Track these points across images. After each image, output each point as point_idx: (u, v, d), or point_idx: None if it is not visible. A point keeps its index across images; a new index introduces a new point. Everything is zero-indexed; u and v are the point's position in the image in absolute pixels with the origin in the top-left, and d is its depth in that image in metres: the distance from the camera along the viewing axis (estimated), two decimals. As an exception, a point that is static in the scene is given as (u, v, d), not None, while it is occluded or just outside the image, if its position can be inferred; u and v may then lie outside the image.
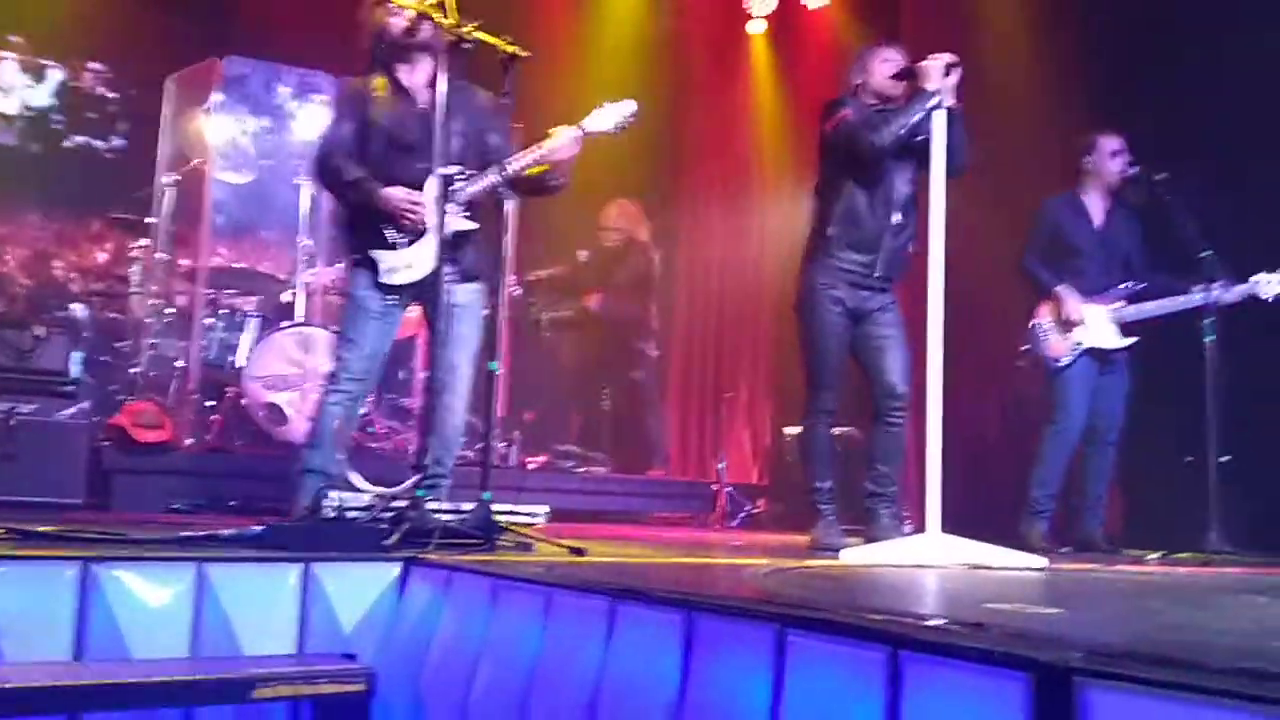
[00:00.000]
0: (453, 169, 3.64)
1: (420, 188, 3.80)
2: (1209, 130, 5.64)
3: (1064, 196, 5.24)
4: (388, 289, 3.88)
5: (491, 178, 3.79)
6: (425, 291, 3.85)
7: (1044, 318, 5.07)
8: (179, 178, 6.06)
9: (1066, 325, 5.01)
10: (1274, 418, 5.25)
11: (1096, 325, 5.01)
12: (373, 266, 3.87)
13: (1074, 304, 4.99)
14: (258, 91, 6.36)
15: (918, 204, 4.43)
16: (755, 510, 6.46)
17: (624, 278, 7.45)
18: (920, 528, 3.79)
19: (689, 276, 8.40)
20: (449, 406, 3.84)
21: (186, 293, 6.16)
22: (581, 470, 6.85)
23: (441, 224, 3.50)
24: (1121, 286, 5.06)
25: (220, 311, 6.02)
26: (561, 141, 3.80)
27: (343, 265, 4.09)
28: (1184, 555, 4.73)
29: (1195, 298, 4.86)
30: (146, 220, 6.14)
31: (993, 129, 6.73)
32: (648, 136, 8.22)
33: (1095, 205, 5.17)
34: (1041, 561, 3.72)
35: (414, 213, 3.76)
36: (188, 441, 5.46)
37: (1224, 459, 5.11)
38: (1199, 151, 5.36)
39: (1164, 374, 5.14)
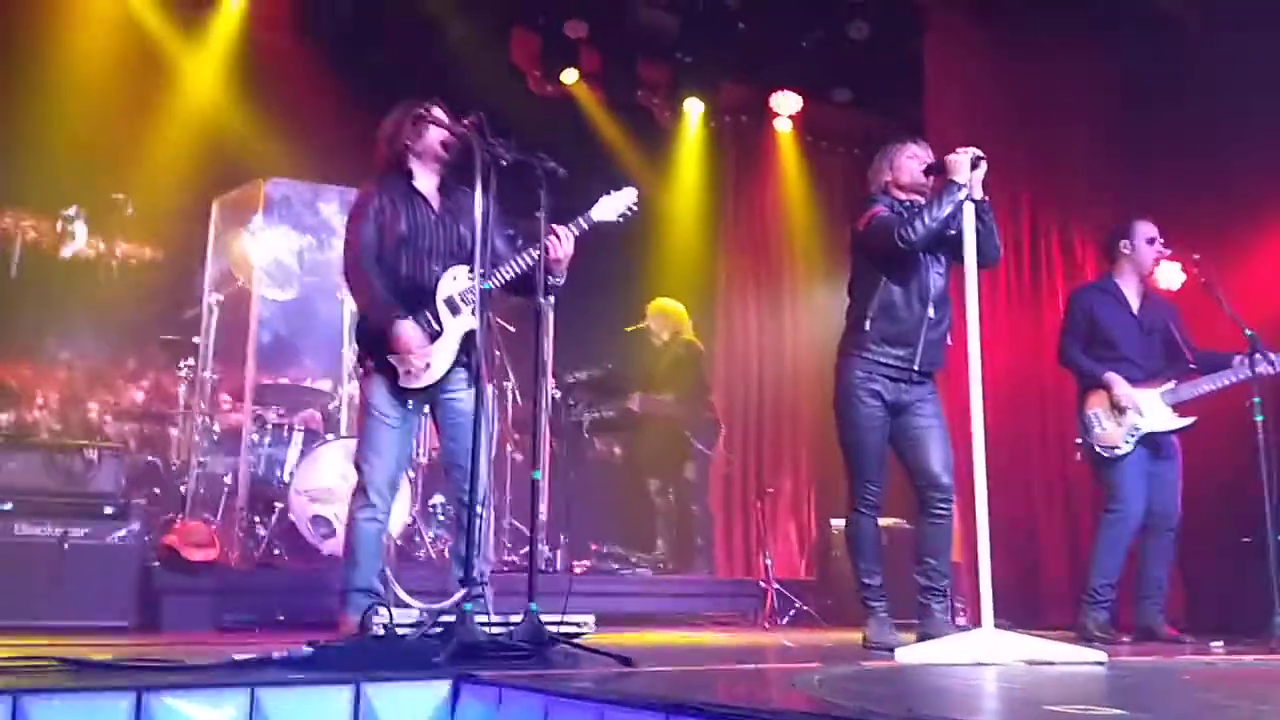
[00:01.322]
0: (464, 269, 3.74)
1: (433, 289, 3.89)
2: (1223, 214, 5.69)
3: (1097, 284, 5.25)
4: (405, 394, 3.90)
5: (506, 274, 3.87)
6: (438, 396, 3.91)
7: (1095, 407, 5.02)
8: (223, 297, 6.20)
9: (1120, 412, 4.96)
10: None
11: (1151, 409, 4.95)
12: (389, 372, 3.88)
13: (1125, 390, 4.95)
14: (300, 210, 6.52)
15: (951, 296, 4.45)
16: (804, 608, 6.36)
17: (667, 375, 7.48)
18: (975, 621, 3.73)
19: (727, 372, 8.42)
20: (477, 514, 3.83)
21: (233, 409, 6.25)
22: (628, 572, 6.80)
23: (481, 322, 3.55)
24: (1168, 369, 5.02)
25: (267, 427, 6.10)
26: (558, 239, 3.85)
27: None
28: (1249, 641, 4.62)
29: (1244, 371, 4.82)
30: (194, 340, 6.28)
31: (1021, 214, 6.82)
32: (682, 235, 8.39)
33: (1131, 290, 5.16)
34: (1101, 655, 3.64)
35: (413, 369, 3.83)
36: (235, 558, 5.49)
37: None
38: (1216, 234, 5.40)
39: (1219, 455, 5.08)
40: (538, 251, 3.77)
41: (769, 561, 6.34)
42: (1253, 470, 4.70)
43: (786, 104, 8.49)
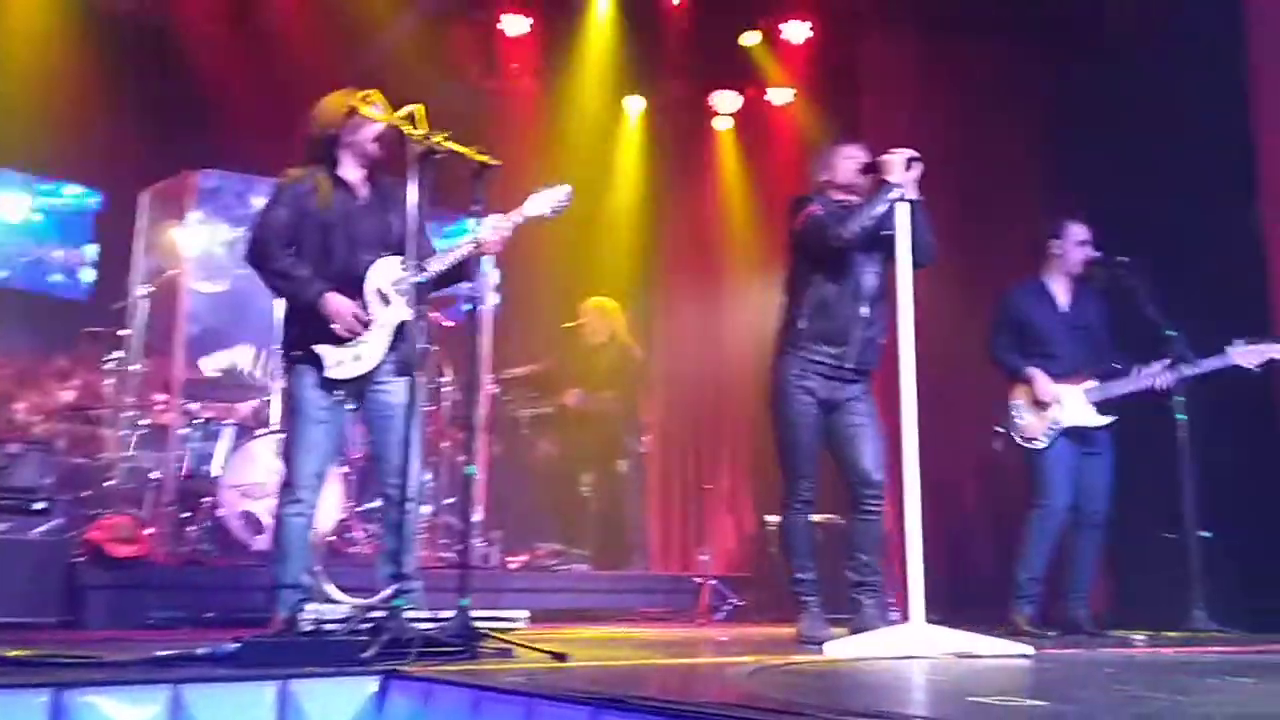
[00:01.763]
0: (396, 259, 3.71)
1: (361, 279, 3.84)
2: (1152, 215, 5.82)
3: (1028, 283, 5.32)
4: (333, 386, 3.83)
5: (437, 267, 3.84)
6: (365, 388, 3.86)
7: (1018, 398, 5.11)
8: (153, 289, 6.08)
9: (1041, 406, 5.05)
10: (1254, 492, 5.30)
11: (1072, 405, 5.04)
12: (316, 363, 3.81)
13: (1046, 385, 5.04)
14: (231, 202, 6.42)
15: (887, 295, 4.50)
16: (740, 603, 6.40)
17: (605, 373, 7.49)
18: (906, 616, 3.78)
19: (665, 370, 8.44)
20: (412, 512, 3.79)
21: (162, 404, 6.13)
22: (564, 568, 6.79)
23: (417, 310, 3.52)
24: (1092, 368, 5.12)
25: (195, 421, 6.00)
26: (490, 232, 3.82)
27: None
28: (1171, 635, 4.73)
29: (1165, 376, 4.92)
30: (120, 333, 6.15)
31: (954, 215, 6.92)
32: (620, 234, 8.39)
33: (1060, 289, 5.25)
34: (1027, 649, 3.70)
35: (354, 329, 3.78)
36: (163, 554, 5.39)
37: (1205, 535, 5.15)
38: (1144, 236, 5.52)
39: (1144, 453, 5.18)
40: (469, 245, 3.75)
41: (705, 557, 6.36)
42: (1176, 468, 4.81)
43: (726, 103, 8.53)
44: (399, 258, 3.78)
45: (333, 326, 3.78)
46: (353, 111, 3.88)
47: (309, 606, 3.24)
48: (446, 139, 3.46)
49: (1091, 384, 5.07)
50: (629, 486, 7.50)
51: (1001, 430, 5.11)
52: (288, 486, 3.83)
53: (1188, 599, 4.73)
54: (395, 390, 3.83)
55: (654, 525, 8.13)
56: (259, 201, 6.38)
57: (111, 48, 6.78)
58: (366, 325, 3.81)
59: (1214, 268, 5.41)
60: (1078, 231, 5.23)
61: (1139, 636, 4.71)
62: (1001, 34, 6.71)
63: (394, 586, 3.18)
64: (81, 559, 4.95)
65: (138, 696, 2.42)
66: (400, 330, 3.81)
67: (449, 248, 3.92)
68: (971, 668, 3.23)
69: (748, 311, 8.17)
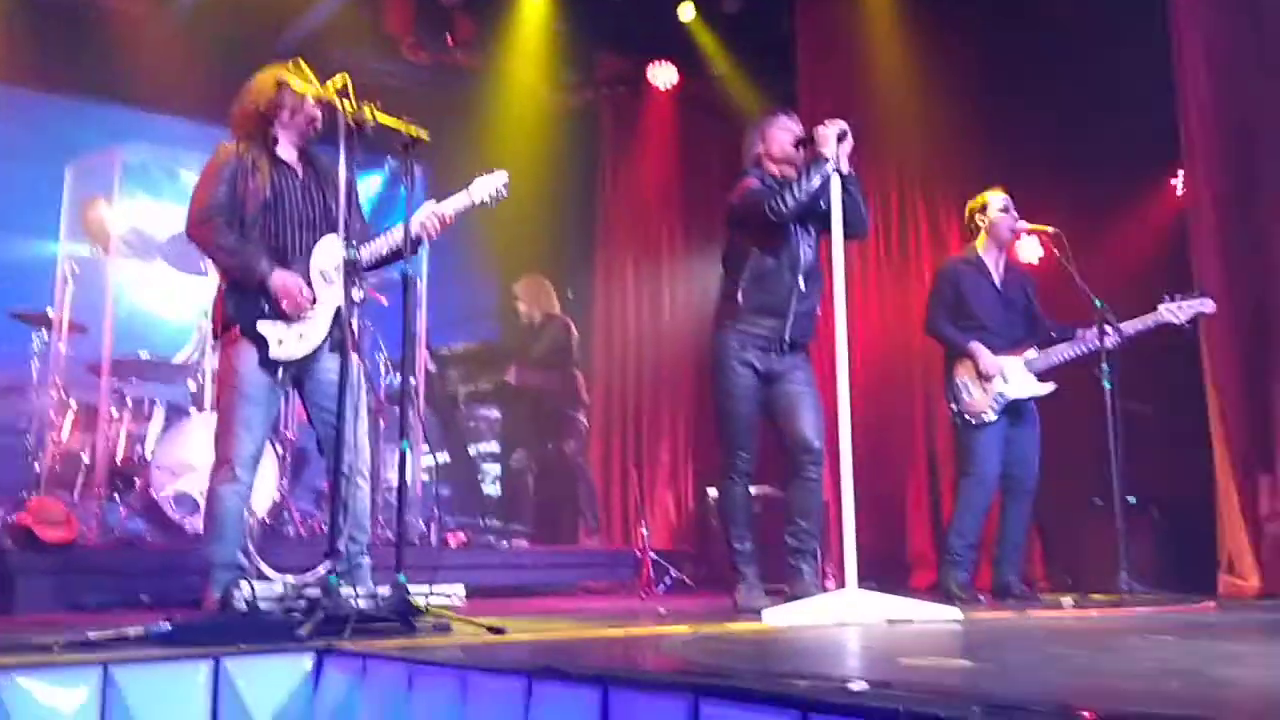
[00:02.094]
0: (336, 239, 3.68)
1: (306, 258, 3.80)
2: (1080, 187, 5.95)
3: (963, 257, 5.39)
4: (275, 366, 3.78)
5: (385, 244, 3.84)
6: (305, 367, 3.82)
7: (963, 375, 5.15)
8: (78, 268, 5.95)
9: (985, 380, 5.10)
10: (1180, 458, 5.45)
11: (1015, 376, 5.10)
12: (257, 341, 3.76)
13: (989, 359, 5.10)
14: (159, 178, 6.28)
15: (822, 269, 4.54)
16: (680, 575, 6.44)
17: (541, 350, 7.49)
18: (842, 583, 3.84)
19: (605, 345, 8.44)
20: (356, 484, 3.76)
21: (90, 384, 6.00)
22: (504, 544, 6.79)
23: (349, 293, 3.48)
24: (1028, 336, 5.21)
25: (126, 401, 5.89)
26: (429, 218, 3.82)
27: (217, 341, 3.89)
28: (1098, 598, 4.85)
29: (1093, 342, 5.02)
30: (47, 311, 6.01)
31: (889, 188, 6.99)
32: (558, 210, 8.36)
33: (992, 261, 5.32)
34: (958, 613, 3.78)
35: (302, 307, 3.74)
36: (94, 537, 5.30)
37: (1130, 500, 5.29)
38: (1072, 206, 5.63)
39: (1074, 419, 5.29)
40: (405, 231, 3.74)
41: (645, 531, 6.39)
42: (1104, 434, 4.92)
43: (663, 76, 8.51)
44: (337, 237, 3.72)
45: (281, 304, 3.74)
46: (282, 85, 3.82)
47: (243, 585, 3.20)
48: (377, 110, 3.42)
49: (1032, 354, 5.14)
50: (576, 463, 7.51)
51: (953, 409, 5.16)
52: (224, 465, 3.75)
53: (1115, 563, 4.85)
54: (335, 369, 3.78)
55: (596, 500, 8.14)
56: (188, 176, 6.28)
57: (36, 23, 6.60)
58: (312, 304, 3.77)
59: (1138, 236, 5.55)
60: (997, 199, 5.29)
61: (1067, 600, 4.83)
62: (932, 6, 6.77)
63: (330, 562, 3.15)
64: (9, 544, 4.85)
65: (68, 677, 2.38)
66: (338, 309, 3.77)
67: (385, 233, 3.89)
68: (904, 632, 3.29)
69: (688, 285, 8.21)
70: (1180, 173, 5.85)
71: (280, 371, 3.80)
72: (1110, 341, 4.97)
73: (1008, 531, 5.19)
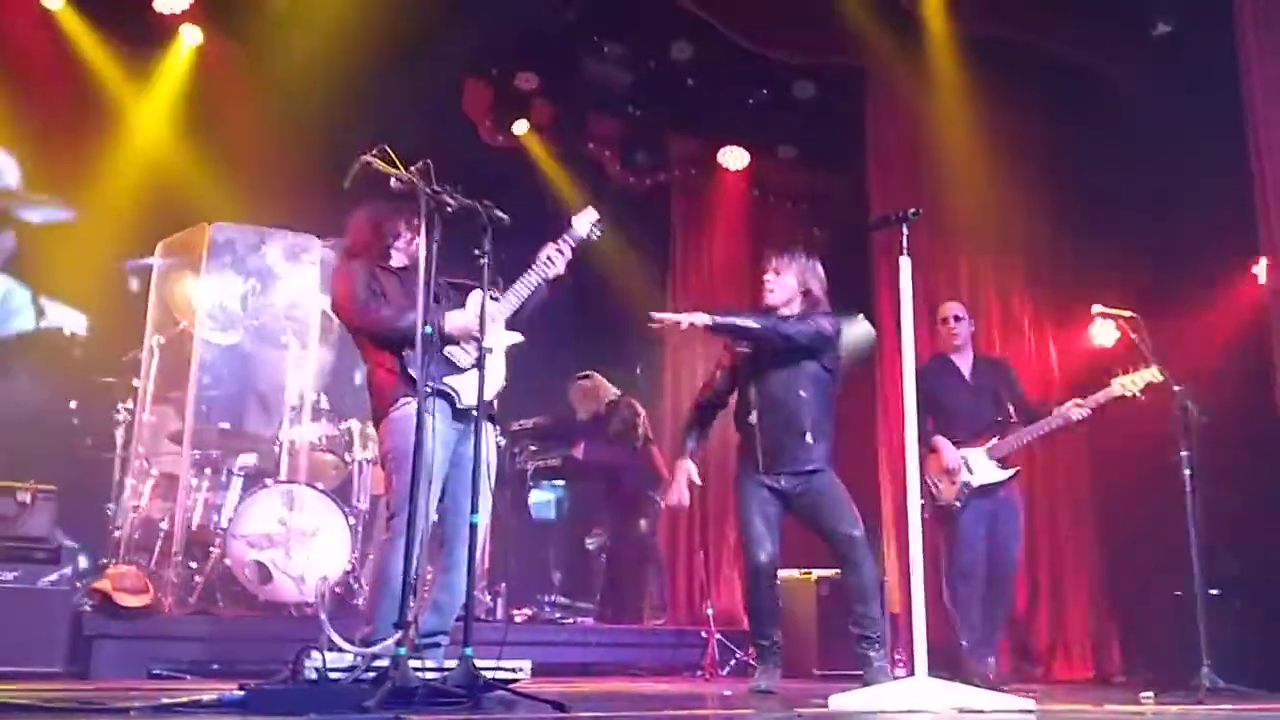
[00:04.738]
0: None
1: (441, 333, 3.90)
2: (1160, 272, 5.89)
3: (934, 359, 5.64)
4: (460, 416, 3.90)
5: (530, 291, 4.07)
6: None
7: (932, 472, 5.37)
8: (164, 340, 6.15)
9: (951, 473, 5.32)
10: (1259, 551, 5.31)
11: (977, 465, 5.34)
12: (444, 397, 3.86)
13: (949, 453, 5.33)
14: (244, 254, 6.47)
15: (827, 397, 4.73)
16: (745, 657, 6.36)
17: (614, 430, 7.50)
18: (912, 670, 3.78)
19: (674, 423, 8.44)
20: (458, 560, 3.79)
21: (172, 453, 6.16)
22: (570, 621, 6.77)
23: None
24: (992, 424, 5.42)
25: (205, 471, 6.02)
26: (556, 255, 4.08)
27: (382, 418, 3.96)
28: (1178, 694, 4.69)
29: (1055, 420, 5.23)
30: (133, 382, 6.20)
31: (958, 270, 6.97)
32: (630, 287, 8.44)
33: (959, 357, 5.58)
34: (1030, 704, 3.69)
35: (475, 334, 3.82)
36: (170, 604, 5.39)
37: (1213, 593, 5.14)
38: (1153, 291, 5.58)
39: (1153, 510, 5.23)
40: (535, 277, 4.02)
41: (711, 611, 6.34)
42: (1183, 526, 4.82)
43: (734, 159, 8.63)
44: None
45: (446, 381, 3.86)
46: (378, 226, 4.03)
47: (314, 654, 3.24)
48: (456, 194, 3.52)
49: (991, 442, 5.35)
50: (648, 543, 7.46)
51: (923, 503, 5.22)
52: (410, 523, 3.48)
53: (1196, 658, 4.71)
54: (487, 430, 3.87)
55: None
56: (272, 253, 6.48)
57: (121, 94, 6.92)
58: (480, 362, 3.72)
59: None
60: (940, 312, 5.65)
61: (1146, 694, 4.67)
62: (1004, 90, 6.80)
63: (398, 634, 3.17)
64: (89, 609, 4.96)
65: (142, 743, 2.43)
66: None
67: (521, 282, 4.08)
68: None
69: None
70: (1262, 259, 5.77)
71: (461, 423, 3.95)
72: (1078, 415, 5.15)
73: (986, 615, 5.31)
